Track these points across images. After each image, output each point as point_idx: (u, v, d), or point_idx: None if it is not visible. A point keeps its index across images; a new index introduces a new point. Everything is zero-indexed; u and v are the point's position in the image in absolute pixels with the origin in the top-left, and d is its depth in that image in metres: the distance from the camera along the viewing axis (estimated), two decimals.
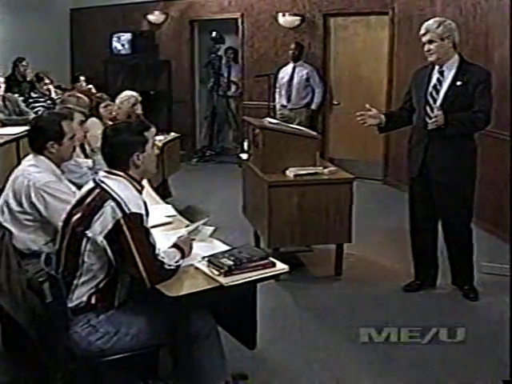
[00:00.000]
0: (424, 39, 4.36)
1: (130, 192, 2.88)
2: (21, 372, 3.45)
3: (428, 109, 4.38)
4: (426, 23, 4.38)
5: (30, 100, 8.24)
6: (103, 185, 2.88)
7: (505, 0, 5.84)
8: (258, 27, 9.48)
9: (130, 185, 2.93)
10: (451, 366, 3.72)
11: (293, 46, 8.73)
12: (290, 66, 8.76)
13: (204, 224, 3.48)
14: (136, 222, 2.78)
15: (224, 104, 10.22)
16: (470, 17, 6.25)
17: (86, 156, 4.91)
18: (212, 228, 3.50)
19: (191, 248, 3.12)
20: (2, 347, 3.64)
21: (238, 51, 10.10)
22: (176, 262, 2.92)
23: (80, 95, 6.09)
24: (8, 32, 10.19)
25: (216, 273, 2.90)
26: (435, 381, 3.60)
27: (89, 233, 2.81)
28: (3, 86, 7.60)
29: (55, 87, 8.73)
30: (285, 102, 8.77)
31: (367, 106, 4.62)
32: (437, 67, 4.41)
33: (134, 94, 6.53)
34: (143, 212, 2.85)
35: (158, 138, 6.05)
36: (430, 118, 4.30)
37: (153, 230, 3.07)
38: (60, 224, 3.01)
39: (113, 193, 2.82)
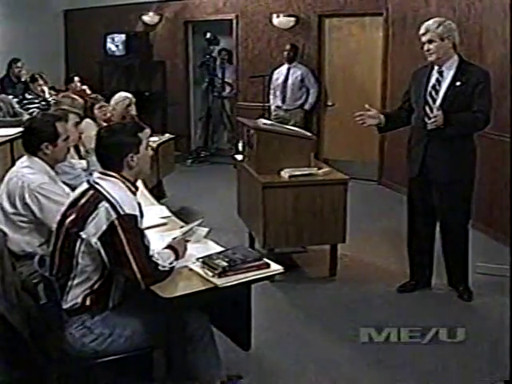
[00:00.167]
0: (424, 39, 4.35)
1: (124, 193, 2.88)
2: (15, 373, 3.44)
3: (427, 109, 4.38)
4: (426, 23, 4.37)
5: (25, 101, 8.21)
6: (97, 186, 2.88)
7: (498, 1, 5.88)
8: (253, 28, 9.48)
9: (124, 186, 2.93)
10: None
11: (288, 47, 8.73)
12: (285, 66, 8.76)
13: (198, 225, 3.49)
14: (130, 224, 2.78)
15: (219, 105, 10.22)
16: (464, 17, 6.26)
17: (81, 157, 4.90)
18: (206, 229, 3.50)
19: (185, 249, 3.12)
20: None
21: (232, 52, 10.11)
22: (170, 264, 2.92)
23: (74, 96, 6.11)
24: (2, 33, 10.18)
25: (210, 274, 2.90)
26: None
27: (83, 234, 2.80)
28: None
29: (49, 88, 8.71)
30: (280, 103, 8.77)
31: (366, 106, 4.62)
32: (436, 67, 4.41)
33: (128, 95, 6.54)
34: (137, 213, 2.85)
35: (152, 139, 6.05)
36: (430, 118, 4.29)
37: (147, 231, 3.08)
38: (54, 225, 3.00)
39: (107, 194, 2.82)
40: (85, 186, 2.96)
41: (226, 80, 10.25)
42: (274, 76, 8.84)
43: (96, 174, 2.98)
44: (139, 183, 3.34)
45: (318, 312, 4.51)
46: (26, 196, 3.50)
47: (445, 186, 4.43)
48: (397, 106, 4.88)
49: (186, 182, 8.33)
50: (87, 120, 5.58)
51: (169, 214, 4.00)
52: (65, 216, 2.92)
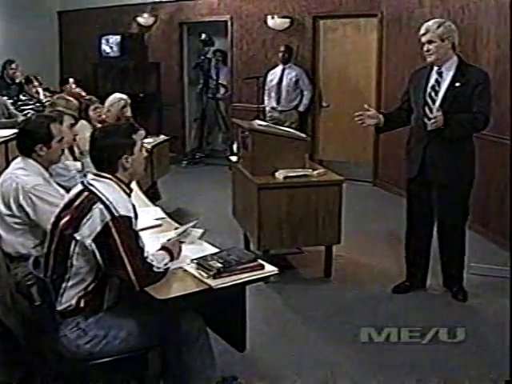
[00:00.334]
0: (423, 39, 4.35)
1: (119, 195, 2.88)
2: (10, 375, 3.43)
3: (427, 110, 4.38)
4: (427, 23, 4.37)
5: (19, 103, 8.20)
6: (92, 188, 2.88)
7: (492, 2, 5.89)
8: (247, 29, 9.49)
9: (119, 187, 2.93)
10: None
11: (282, 48, 8.73)
12: (279, 68, 8.76)
13: (193, 226, 3.49)
14: (125, 225, 2.78)
15: (213, 106, 10.22)
16: (458, 19, 6.27)
17: (75, 159, 4.89)
18: (201, 230, 3.50)
19: (180, 250, 3.12)
20: None
21: (227, 53, 10.12)
22: (165, 265, 2.91)
23: (69, 98, 6.10)
24: None
25: (205, 275, 2.90)
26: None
27: (77, 236, 2.80)
28: None
29: (44, 89, 8.70)
30: (275, 104, 8.77)
31: (366, 106, 4.62)
32: (435, 68, 4.41)
33: (123, 96, 6.53)
34: (132, 215, 2.85)
35: (147, 140, 6.07)
36: (429, 119, 4.30)
37: (142, 233, 3.07)
38: (48, 227, 3.00)
39: (101, 195, 2.81)
40: (79, 187, 2.95)
41: (220, 81, 10.27)
42: (269, 77, 8.84)
43: (90, 176, 2.98)
44: (134, 185, 3.34)
45: (313, 313, 4.51)
46: (21, 197, 3.49)
47: (444, 186, 4.43)
48: (392, 107, 4.89)
49: (180, 183, 8.34)
50: (82, 121, 5.57)
51: (163, 215, 4.00)
52: (59, 217, 2.92)
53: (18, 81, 8.94)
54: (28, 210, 3.49)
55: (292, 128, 6.62)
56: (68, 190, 3.25)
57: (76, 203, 2.87)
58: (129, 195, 2.99)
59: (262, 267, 3.03)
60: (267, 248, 5.00)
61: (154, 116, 10.69)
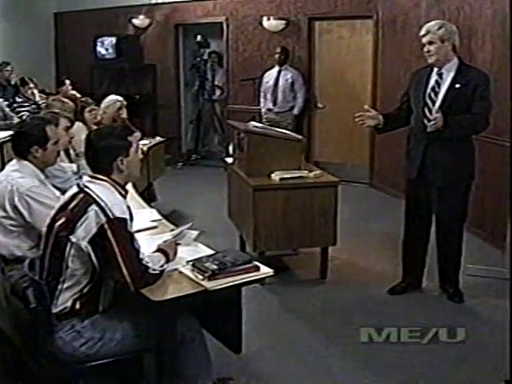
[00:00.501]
0: (424, 40, 4.35)
1: (114, 197, 2.88)
2: (6, 378, 3.43)
3: (426, 111, 4.38)
4: (427, 24, 4.37)
5: (15, 105, 8.18)
6: (87, 189, 2.87)
7: (487, 4, 5.91)
8: (243, 31, 9.49)
9: (114, 189, 2.93)
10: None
11: (279, 49, 8.72)
12: (275, 69, 8.75)
13: (189, 228, 3.48)
14: (120, 227, 2.77)
15: (209, 108, 10.23)
16: (453, 21, 6.27)
17: (71, 161, 4.89)
18: (197, 232, 3.50)
19: (176, 252, 3.12)
20: None
21: (222, 55, 10.11)
22: (160, 267, 2.91)
23: (65, 100, 6.08)
24: None
25: (200, 277, 2.89)
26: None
27: (73, 238, 2.80)
28: None
29: (39, 91, 8.69)
30: (271, 106, 8.75)
31: (366, 107, 4.64)
32: (436, 69, 4.41)
33: (119, 98, 6.52)
34: (127, 217, 2.85)
35: (143, 142, 6.07)
36: (429, 120, 4.30)
37: (137, 235, 3.07)
38: (44, 229, 3.00)
39: (96, 197, 2.81)
40: (74, 189, 2.95)
41: (216, 83, 10.28)
42: (265, 79, 8.83)
43: (86, 178, 2.98)
44: (129, 186, 3.34)
45: (309, 314, 4.52)
46: (16, 199, 3.48)
47: (443, 187, 4.44)
48: (387, 108, 4.89)
49: (176, 185, 8.33)
50: (78, 123, 5.56)
51: (159, 217, 3.99)
52: (54, 220, 2.92)
53: (13, 83, 8.92)
54: (23, 212, 3.48)
55: (288, 129, 6.62)
56: (63, 192, 3.25)
57: (71, 205, 2.87)
58: (124, 197, 2.99)
59: (258, 269, 3.03)
60: (263, 249, 5.00)
61: (150, 118, 10.68)
